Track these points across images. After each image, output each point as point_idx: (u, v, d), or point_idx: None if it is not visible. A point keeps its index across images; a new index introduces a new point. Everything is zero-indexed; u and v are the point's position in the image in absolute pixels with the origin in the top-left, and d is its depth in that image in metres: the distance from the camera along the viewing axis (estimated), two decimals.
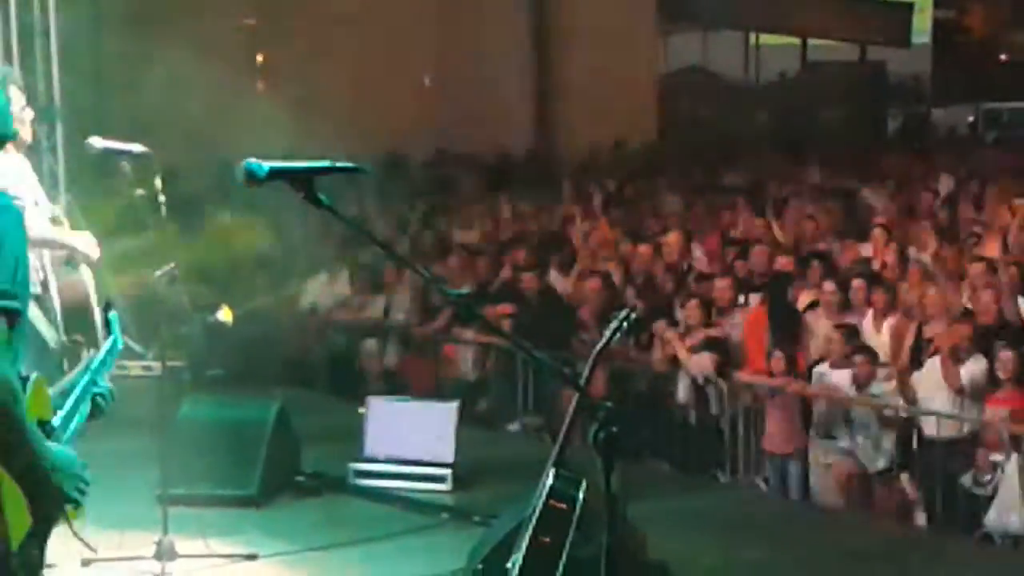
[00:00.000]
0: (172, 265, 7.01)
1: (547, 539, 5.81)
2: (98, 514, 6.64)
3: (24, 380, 3.71)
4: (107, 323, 4.47)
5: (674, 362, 10.21)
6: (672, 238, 12.06)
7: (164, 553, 6.95)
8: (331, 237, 13.75)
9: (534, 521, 5.84)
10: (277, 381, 12.29)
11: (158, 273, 6.96)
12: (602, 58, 20.25)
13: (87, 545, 4.04)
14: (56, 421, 3.87)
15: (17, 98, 6.45)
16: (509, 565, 5.84)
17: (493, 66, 18.43)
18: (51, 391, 3.93)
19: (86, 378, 4.12)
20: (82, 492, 3.78)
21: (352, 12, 17.36)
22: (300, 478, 8.75)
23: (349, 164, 3.80)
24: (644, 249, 11.89)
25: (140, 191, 6.83)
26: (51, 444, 3.72)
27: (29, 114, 6.63)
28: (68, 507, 3.78)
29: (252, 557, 7.32)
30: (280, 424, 8.68)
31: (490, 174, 17.47)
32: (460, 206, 15.46)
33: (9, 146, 6.47)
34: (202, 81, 15.54)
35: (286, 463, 8.72)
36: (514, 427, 11.02)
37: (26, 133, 6.62)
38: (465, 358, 11.59)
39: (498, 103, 18.17)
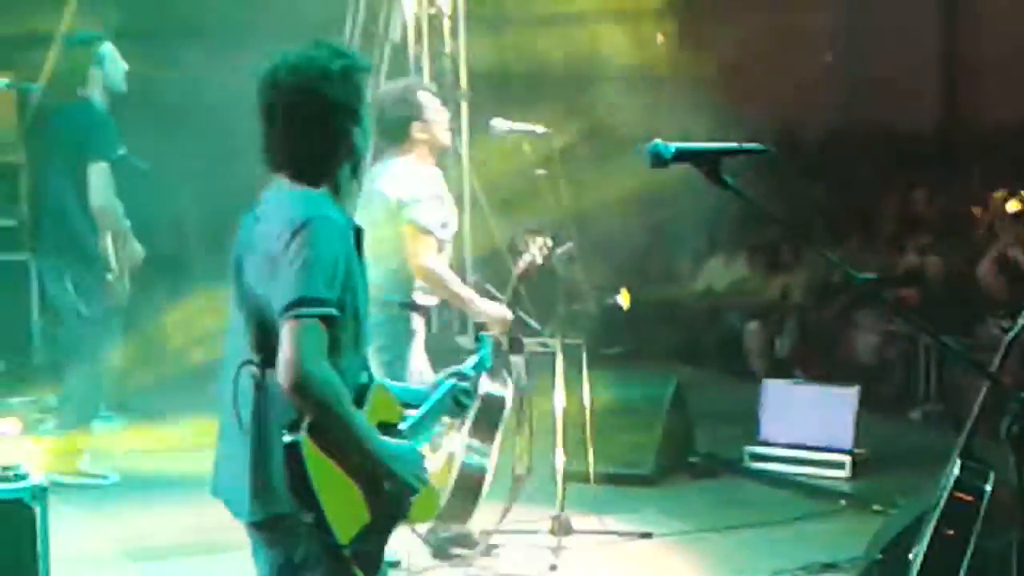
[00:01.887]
0: (570, 244, 7.10)
1: (952, 532, 5.59)
2: (497, 489, 6.89)
3: (365, 386, 3.84)
4: (478, 339, 4.55)
5: None
6: None
7: (560, 529, 7.06)
8: (728, 217, 13.67)
9: (938, 512, 5.62)
10: (670, 360, 12.33)
11: (558, 251, 7.06)
12: (1021, 26, 19.18)
13: (425, 540, 4.13)
14: (403, 425, 3.97)
15: (429, 102, 6.61)
16: (911, 557, 5.64)
17: (898, 38, 17.85)
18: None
19: (447, 385, 4.19)
20: (423, 482, 3.86)
21: None
22: (694, 459, 8.73)
23: (754, 145, 3.74)
24: None
25: (541, 171, 6.94)
26: (389, 439, 3.82)
27: (444, 115, 6.75)
28: (412, 508, 3.87)
29: (647, 535, 7.35)
30: (676, 403, 8.68)
31: (892, 153, 16.93)
32: (859, 186, 15.06)
33: (424, 151, 6.62)
34: (605, 65, 15.71)
35: (681, 443, 8.72)
36: (915, 415, 10.68)
37: (444, 137, 6.75)
38: (865, 342, 11.29)
39: (902, 78, 17.58)
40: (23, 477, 5.89)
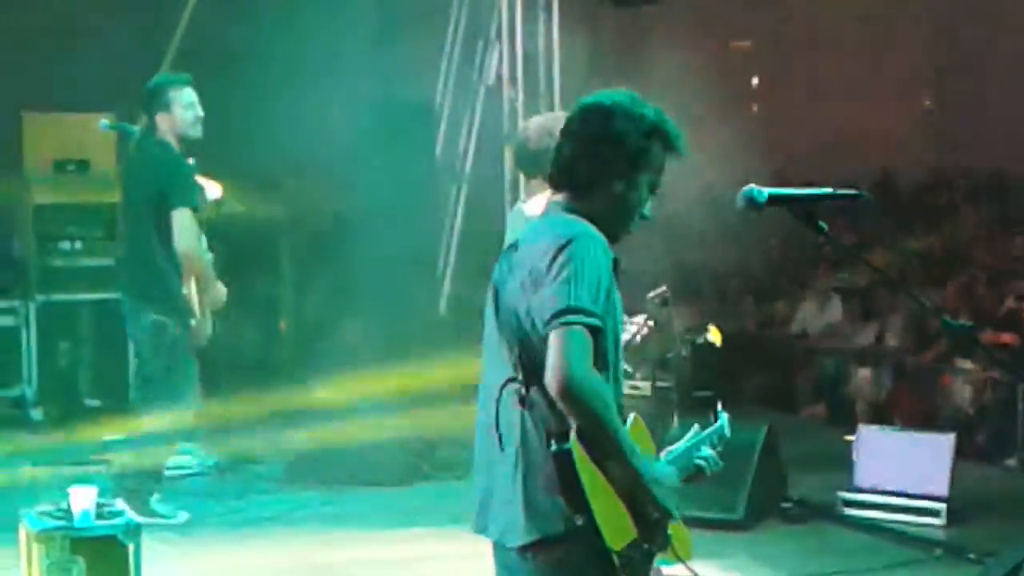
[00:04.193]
0: (663, 288, 7.09)
1: None
2: None
3: (623, 414, 3.91)
4: (716, 414, 4.58)
5: None
6: None
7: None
8: (823, 261, 13.58)
9: None
10: (763, 404, 12.24)
11: (651, 295, 7.05)
12: None
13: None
14: (663, 461, 4.04)
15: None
16: None
17: (996, 82, 17.68)
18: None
19: (695, 439, 4.28)
20: (679, 508, 3.91)
21: (847, 31, 17.10)
22: (787, 504, 8.64)
23: (848, 191, 3.73)
24: None
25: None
26: (651, 460, 3.90)
27: None
28: (673, 541, 3.94)
29: None
30: (768, 448, 8.60)
31: (989, 197, 16.74)
32: (955, 231, 14.91)
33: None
34: (696, 104, 15.68)
35: (773, 488, 8.63)
36: (1012, 462, 10.51)
37: None
38: (962, 389, 11.14)
39: (1000, 121, 17.40)
40: (118, 514, 5.98)
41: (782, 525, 8.47)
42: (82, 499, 5.87)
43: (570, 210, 3.95)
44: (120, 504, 6.11)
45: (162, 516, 8.03)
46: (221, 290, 8.24)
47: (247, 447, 10.13)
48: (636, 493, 3.80)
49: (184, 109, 7.97)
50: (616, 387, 3.94)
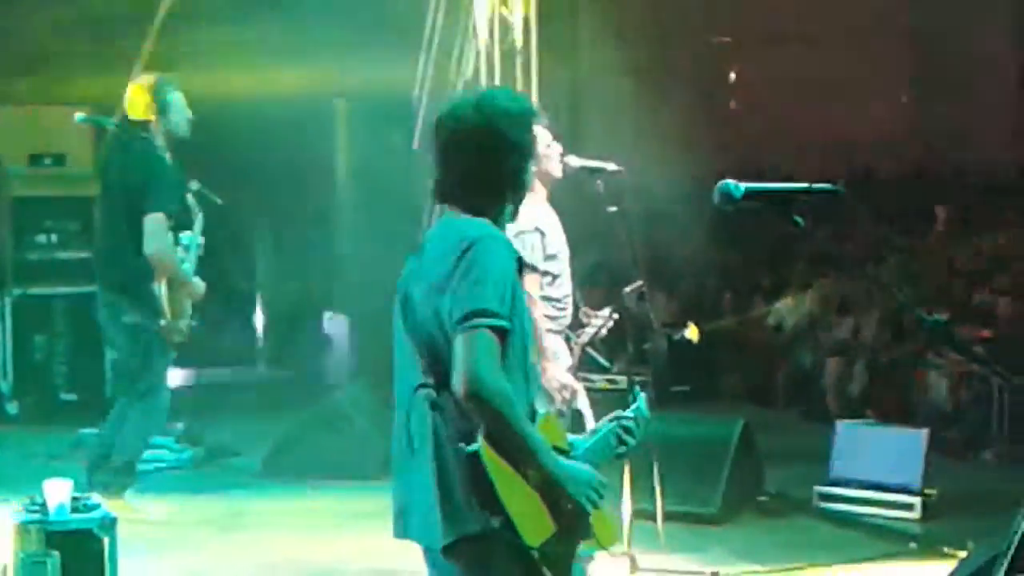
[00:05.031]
0: (640, 282, 7.09)
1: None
2: None
3: (534, 413, 3.96)
4: (633, 395, 4.59)
5: None
6: None
7: (627, 567, 7.02)
8: (799, 256, 13.60)
9: (1009, 556, 5.54)
10: (740, 399, 12.27)
11: (627, 289, 7.05)
12: None
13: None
14: (572, 449, 4.05)
15: (543, 135, 6.57)
16: None
17: (975, 76, 17.71)
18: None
19: (612, 425, 4.27)
20: (594, 503, 3.93)
21: (822, 25, 17.12)
22: (763, 498, 8.67)
23: (825, 185, 3.74)
24: None
25: (612, 208, 6.93)
26: (564, 459, 3.92)
27: (556, 148, 6.73)
28: (597, 530, 3.96)
29: (714, 575, 7.29)
30: (744, 442, 8.63)
31: (969, 193, 16.77)
32: (935, 227, 14.93)
33: (538, 188, 6.56)
34: (674, 100, 15.71)
35: (749, 482, 8.66)
36: (988, 456, 10.55)
37: (555, 169, 6.73)
38: (938, 383, 11.17)
39: (981, 116, 17.43)
40: (93, 508, 5.96)
41: (758, 519, 8.50)
42: (57, 492, 5.85)
43: (472, 211, 3.97)
44: (96, 497, 6.09)
45: (136, 510, 8.02)
46: (198, 287, 8.22)
47: (223, 440, 10.13)
48: (550, 489, 3.84)
49: (179, 113, 8.06)
50: (529, 386, 3.98)
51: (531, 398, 3.99)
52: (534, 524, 3.82)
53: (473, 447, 3.75)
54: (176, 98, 8.13)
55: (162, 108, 8.06)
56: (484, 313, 3.76)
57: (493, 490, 3.75)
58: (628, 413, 4.33)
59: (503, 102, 3.99)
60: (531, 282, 6.34)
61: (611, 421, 4.29)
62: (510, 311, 3.82)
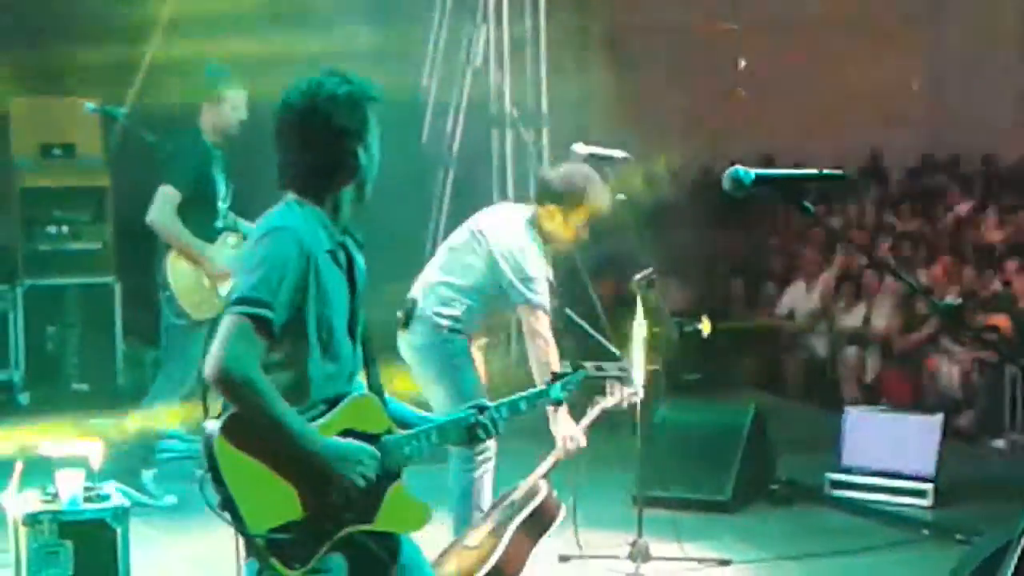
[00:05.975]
0: (650, 269, 7.09)
1: None
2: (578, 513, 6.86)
3: (339, 397, 3.97)
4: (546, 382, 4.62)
5: None
6: None
7: (639, 554, 7.03)
8: (810, 243, 13.57)
9: (1021, 544, 5.53)
10: (752, 386, 12.25)
11: (637, 277, 7.05)
12: None
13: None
14: (391, 437, 4.05)
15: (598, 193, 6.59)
16: None
17: (983, 66, 17.66)
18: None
19: (463, 414, 4.27)
20: (366, 478, 3.94)
21: (837, 14, 17.07)
22: (774, 486, 8.66)
23: (833, 171, 3.73)
24: None
25: (621, 196, 6.93)
26: (339, 440, 3.92)
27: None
28: (392, 511, 4.03)
29: (725, 563, 7.29)
30: (756, 430, 8.62)
31: (976, 181, 16.74)
32: (944, 213, 14.90)
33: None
34: (684, 87, 15.69)
35: (761, 470, 8.65)
36: (1000, 443, 10.54)
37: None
38: (950, 370, 11.15)
39: (987, 105, 17.38)
40: (106, 498, 5.96)
41: (770, 506, 8.50)
42: (70, 483, 5.86)
43: (308, 196, 4.00)
44: (108, 488, 6.10)
45: (150, 495, 8.04)
46: (216, 264, 8.13)
47: None
48: (313, 473, 3.86)
49: (234, 110, 8.03)
50: (338, 373, 3.98)
51: (343, 384, 4.00)
52: (266, 511, 3.83)
53: (209, 430, 3.81)
54: (235, 96, 8.05)
55: (217, 99, 8.03)
56: (244, 301, 3.80)
57: (219, 476, 3.79)
58: (505, 404, 4.31)
59: (330, 86, 3.97)
60: (543, 322, 6.33)
61: (472, 409, 4.27)
62: (291, 301, 3.83)
